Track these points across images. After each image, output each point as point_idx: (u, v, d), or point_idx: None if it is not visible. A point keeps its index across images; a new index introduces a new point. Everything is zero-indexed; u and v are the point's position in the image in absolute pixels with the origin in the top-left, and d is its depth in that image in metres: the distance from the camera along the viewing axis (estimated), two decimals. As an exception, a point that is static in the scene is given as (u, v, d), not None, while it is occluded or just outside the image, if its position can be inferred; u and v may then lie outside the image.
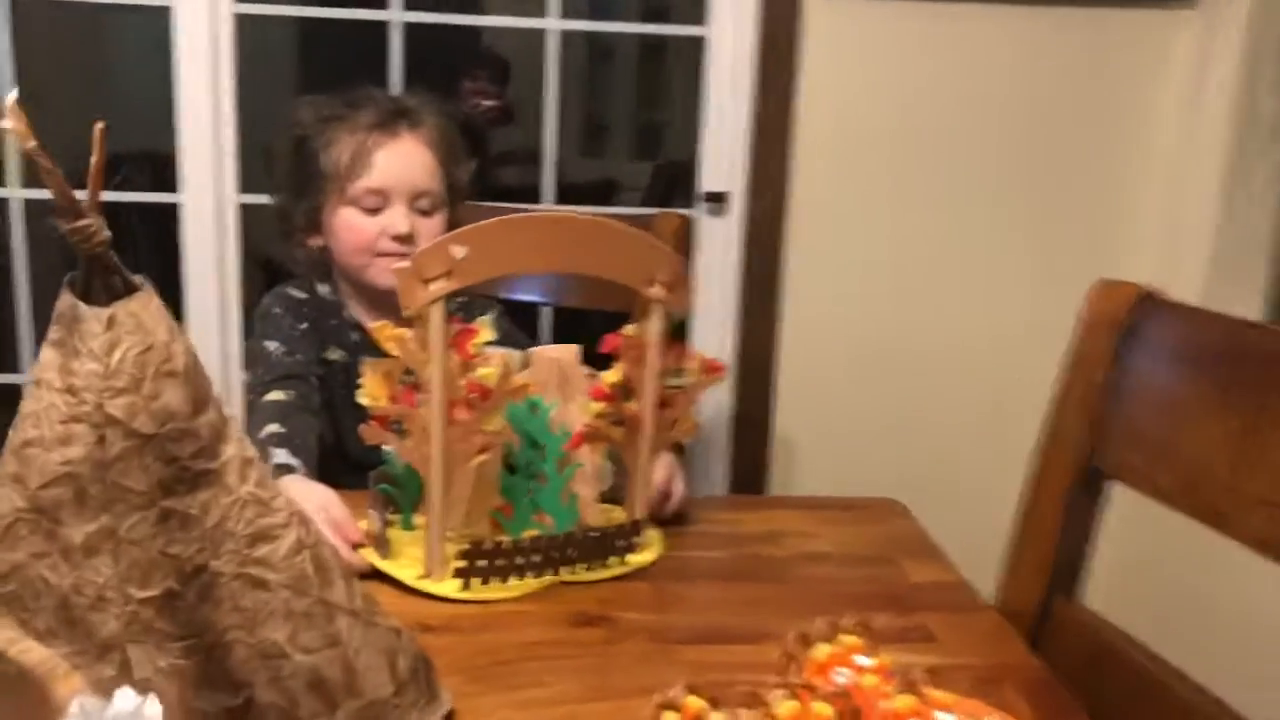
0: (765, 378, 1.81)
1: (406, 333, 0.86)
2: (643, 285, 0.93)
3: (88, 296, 0.59)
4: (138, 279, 0.60)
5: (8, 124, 0.53)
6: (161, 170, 1.75)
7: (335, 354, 1.27)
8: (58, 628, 0.58)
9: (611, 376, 0.96)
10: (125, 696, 0.37)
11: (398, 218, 1.21)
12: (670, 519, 1.07)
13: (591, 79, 4.32)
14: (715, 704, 0.56)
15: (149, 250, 2.13)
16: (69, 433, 0.58)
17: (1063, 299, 1.69)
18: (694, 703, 0.54)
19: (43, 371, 0.59)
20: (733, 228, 1.79)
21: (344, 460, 1.20)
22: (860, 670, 0.61)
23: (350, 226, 1.23)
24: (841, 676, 0.60)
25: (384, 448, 0.94)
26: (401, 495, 1.00)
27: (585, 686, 0.75)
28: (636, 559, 0.98)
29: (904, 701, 0.58)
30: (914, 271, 1.82)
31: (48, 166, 0.54)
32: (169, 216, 1.73)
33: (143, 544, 0.58)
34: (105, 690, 0.58)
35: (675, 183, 3.12)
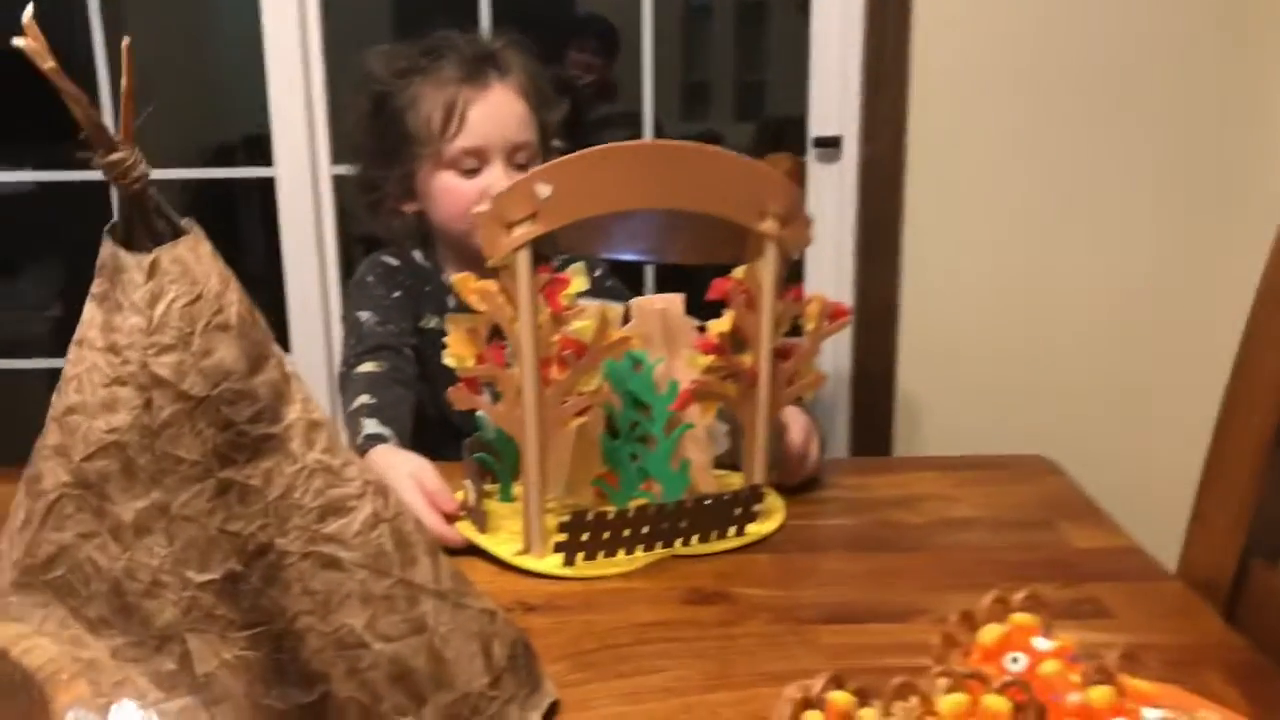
0: (888, 329, 1.68)
1: (491, 285, 0.78)
2: (753, 219, 0.82)
3: (130, 244, 0.53)
4: (185, 221, 0.54)
5: (23, 42, 0.46)
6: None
7: (431, 321, 1.21)
8: (111, 616, 0.51)
9: (721, 326, 0.86)
10: (125, 711, 0.30)
11: (498, 176, 1.15)
12: (799, 484, 0.97)
13: (690, 41, 4.21)
14: (864, 698, 0.46)
15: (263, 230, 2.11)
16: (113, 397, 0.51)
17: (1217, 231, 1.53)
18: (840, 699, 0.44)
19: (85, 330, 0.53)
20: (847, 173, 1.67)
21: (448, 430, 1.14)
22: (1038, 655, 0.50)
23: (449, 190, 1.17)
24: (1016, 663, 0.50)
25: (477, 413, 0.87)
26: (499, 464, 0.93)
27: (704, 673, 0.67)
28: (756, 529, 0.88)
29: (1098, 693, 0.47)
30: (1045, 211, 1.66)
31: (71, 91, 0.48)
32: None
33: (199, 521, 0.51)
34: (166, 686, 0.52)
35: (780, 139, 3.00)
